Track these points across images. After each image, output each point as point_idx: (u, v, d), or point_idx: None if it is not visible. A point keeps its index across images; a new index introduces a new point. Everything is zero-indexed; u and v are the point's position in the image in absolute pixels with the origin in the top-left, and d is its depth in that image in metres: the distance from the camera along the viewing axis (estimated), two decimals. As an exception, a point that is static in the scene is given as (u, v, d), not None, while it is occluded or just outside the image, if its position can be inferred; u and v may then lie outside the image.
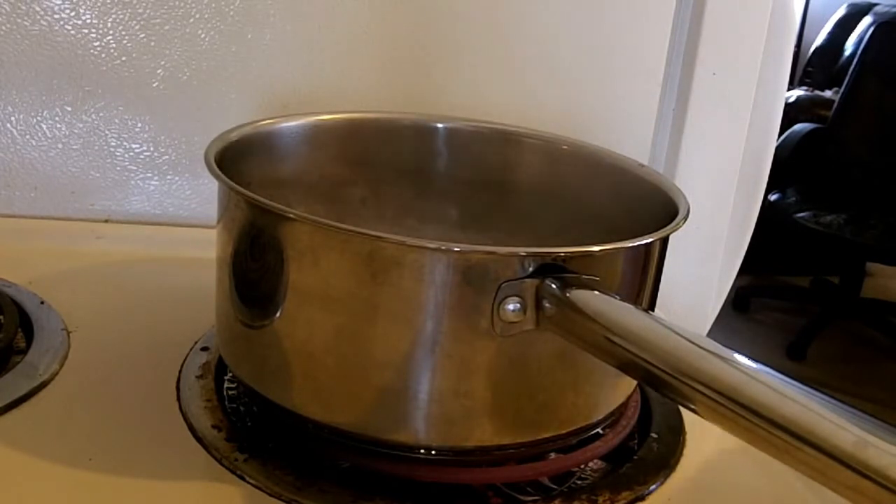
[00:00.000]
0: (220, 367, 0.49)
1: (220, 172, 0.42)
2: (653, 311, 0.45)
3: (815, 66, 3.05)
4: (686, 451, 0.47)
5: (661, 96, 0.77)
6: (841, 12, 3.08)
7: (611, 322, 0.36)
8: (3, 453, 0.41)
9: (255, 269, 0.42)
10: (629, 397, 0.46)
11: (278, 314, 0.40)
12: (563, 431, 0.42)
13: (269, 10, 0.68)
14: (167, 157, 0.70)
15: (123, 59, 0.67)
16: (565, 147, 0.56)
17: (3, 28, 0.64)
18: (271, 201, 0.39)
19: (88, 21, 0.66)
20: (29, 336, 0.51)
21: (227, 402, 0.47)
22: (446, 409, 0.39)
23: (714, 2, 0.73)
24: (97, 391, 0.47)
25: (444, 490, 0.42)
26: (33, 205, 0.68)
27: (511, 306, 0.37)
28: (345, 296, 0.38)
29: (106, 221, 0.70)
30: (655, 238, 0.42)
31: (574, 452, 0.44)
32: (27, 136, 0.67)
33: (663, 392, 0.35)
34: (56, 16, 0.65)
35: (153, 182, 0.70)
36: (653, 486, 0.44)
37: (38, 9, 0.65)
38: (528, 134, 0.57)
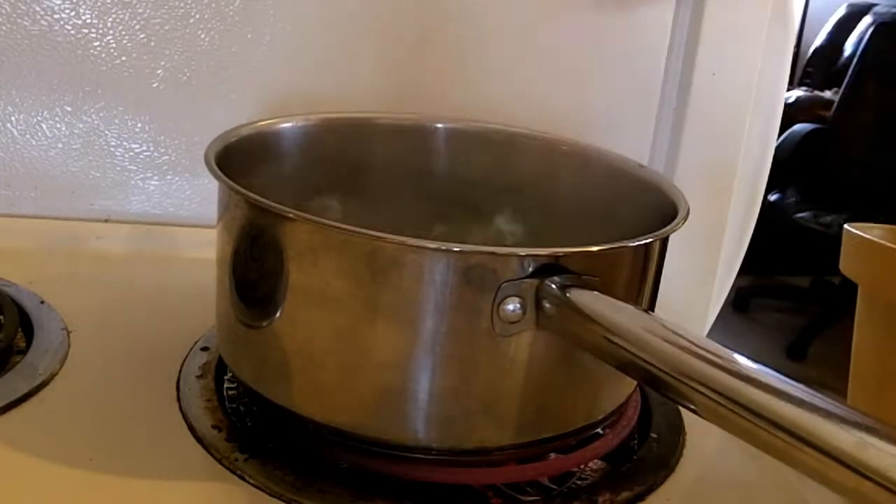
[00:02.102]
0: (220, 367, 0.49)
1: (219, 172, 0.42)
2: (653, 311, 0.45)
3: (815, 66, 3.05)
4: (686, 451, 0.47)
5: (660, 96, 0.77)
6: (841, 12, 3.08)
7: (611, 322, 0.36)
8: (3, 453, 0.41)
9: (255, 269, 0.42)
10: (629, 397, 0.46)
11: (278, 314, 0.40)
12: (563, 431, 0.42)
13: (269, 10, 0.68)
14: (167, 157, 0.70)
15: (123, 59, 0.67)
16: (565, 147, 0.56)
17: (3, 28, 0.64)
18: (271, 201, 0.39)
19: (88, 21, 0.66)
20: (29, 336, 0.51)
21: (227, 402, 0.47)
22: (446, 409, 0.39)
23: (714, 2, 0.73)
24: (97, 391, 0.47)
25: (444, 490, 0.42)
26: (33, 205, 0.68)
27: (511, 306, 0.37)
28: (345, 296, 0.38)
29: (106, 221, 0.70)
30: (655, 238, 0.42)
31: (574, 452, 0.44)
32: (27, 136, 0.67)
33: (663, 392, 0.35)
34: (56, 16, 0.65)
35: (153, 182, 0.70)
36: (653, 486, 0.44)
37: (38, 9, 0.65)
38: (528, 134, 0.57)
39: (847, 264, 0.43)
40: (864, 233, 0.42)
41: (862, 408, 0.38)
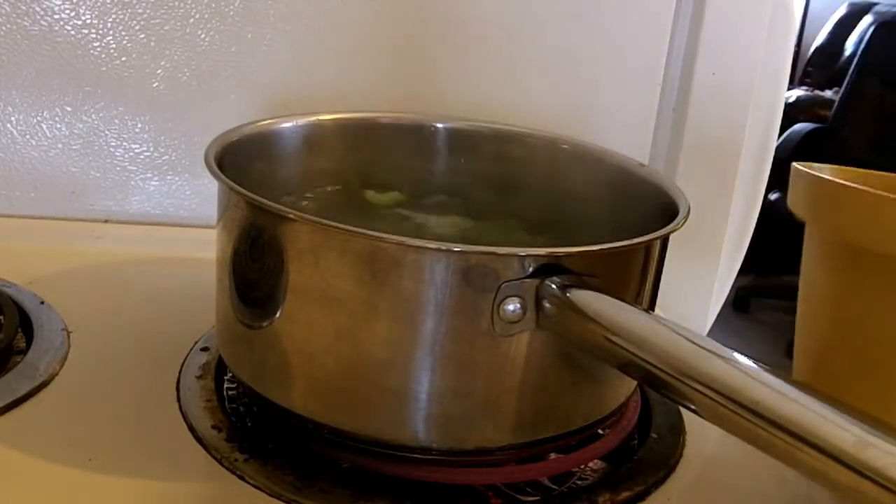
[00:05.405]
0: (220, 367, 0.49)
1: (219, 172, 0.42)
2: (653, 311, 0.45)
3: (815, 66, 3.05)
4: (686, 451, 0.47)
5: (660, 96, 0.77)
6: (841, 12, 3.08)
7: (611, 322, 0.36)
8: (3, 453, 0.41)
9: (255, 269, 0.42)
10: (629, 397, 0.46)
11: (278, 314, 0.40)
12: (563, 431, 0.42)
13: (269, 10, 0.68)
14: (167, 157, 0.70)
15: (123, 59, 0.67)
16: (565, 147, 0.56)
17: (3, 28, 0.64)
18: (271, 201, 0.39)
19: (88, 21, 0.66)
20: (29, 336, 0.51)
21: (227, 403, 0.47)
22: (446, 409, 0.39)
23: (714, 2, 0.73)
24: (97, 391, 0.47)
25: (444, 490, 0.42)
26: (33, 205, 0.68)
27: (511, 306, 0.37)
28: (345, 296, 0.38)
29: (106, 221, 0.70)
30: (655, 238, 0.42)
31: (574, 453, 0.44)
32: (27, 136, 0.67)
33: (663, 392, 0.35)
34: (56, 16, 0.65)
35: (153, 182, 0.70)
36: (653, 486, 0.44)
37: (38, 9, 0.65)
38: (528, 134, 0.57)
39: (795, 201, 0.44)
40: (813, 170, 0.43)
41: (809, 359, 0.38)
